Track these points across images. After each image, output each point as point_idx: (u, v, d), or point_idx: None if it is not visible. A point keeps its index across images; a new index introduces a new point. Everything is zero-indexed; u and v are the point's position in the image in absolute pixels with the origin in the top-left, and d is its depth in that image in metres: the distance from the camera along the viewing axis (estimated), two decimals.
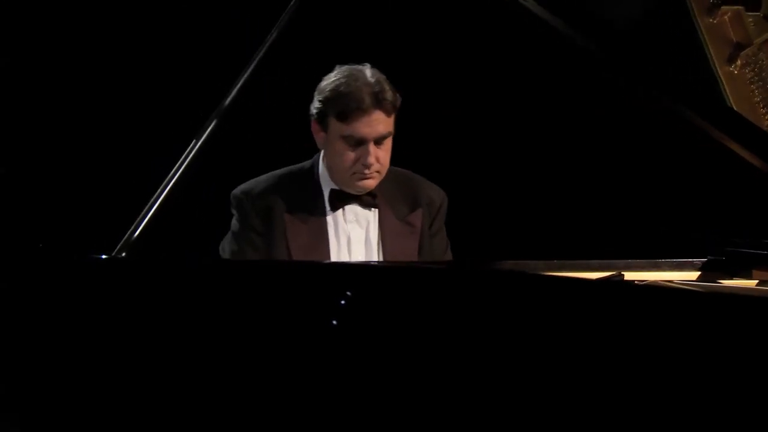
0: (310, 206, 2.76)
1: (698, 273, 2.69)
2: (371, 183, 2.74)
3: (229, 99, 2.27)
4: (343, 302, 1.50)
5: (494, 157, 3.66)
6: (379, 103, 2.64)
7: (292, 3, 2.45)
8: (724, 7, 2.61)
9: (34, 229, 3.38)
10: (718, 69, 2.66)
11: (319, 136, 2.76)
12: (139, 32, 3.69)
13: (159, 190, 2.06)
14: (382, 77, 2.71)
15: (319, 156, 2.83)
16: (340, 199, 2.77)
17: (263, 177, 2.82)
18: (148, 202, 2.03)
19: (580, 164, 3.66)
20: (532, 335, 1.52)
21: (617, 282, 2.16)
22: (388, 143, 2.73)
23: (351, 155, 2.68)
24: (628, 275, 2.58)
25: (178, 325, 1.57)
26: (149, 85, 3.69)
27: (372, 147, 2.67)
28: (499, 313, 1.52)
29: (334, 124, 2.69)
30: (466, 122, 2.94)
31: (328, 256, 2.74)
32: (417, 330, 1.51)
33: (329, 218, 2.77)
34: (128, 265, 1.74)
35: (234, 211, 2.79)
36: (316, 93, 2.73)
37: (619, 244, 2.86)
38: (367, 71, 2.70)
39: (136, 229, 1.93)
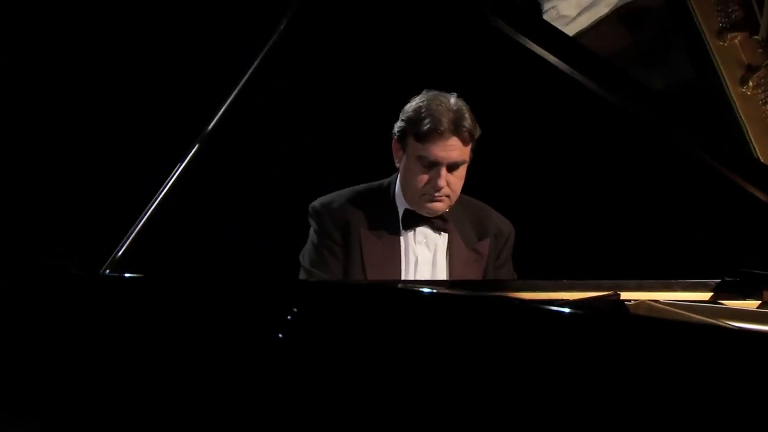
0: (385, 224, 2.84)
1: (710, 294, 2.70)
2: (440, 206, 2.80)
3: (224, 107, 2.36)
4: (289, 317, 1.63)
5: (506, 175, 3.71)
6: (456, 129, 2.71)
7: (290, 10, 2.51)
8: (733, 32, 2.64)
9: (22, 237, 3.47)
10: (731, 91, 2.67)
11: (398, 155, 2.84)
12: (124, 41, 3.69)
13: (151, 202, 2.16)
14: (466, 107, 2.77)
15: (396, 175, 2.90)
16: (412, 220, 2.84)
17: (343, 192, 2.90)
18: (140, 212, 2.13)
19: (593, 185, 3.69)
20: (468, 355, 1.60)
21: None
22: (462, 171, 2.79)
23: (423, 176, 2.76)
24: (640, 296, 2.62)
25: (146, 338, 1.72)
26: (143, 93, 3.67)
27: (444, 171, 2.74)
28: (436, 335, 1.61)
29: (412, 144, 2.77)
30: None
31: (399, 274, 2.81)
32: (357, 345, 1.62)
33: (401, 237, 2.84)
34: (105, 282, 1.90)
35: (312, 222, 2.87)
36: (400, 114, 2.81)
37: (631, 264, 2.88)
38: (452, 98, 2.78)
39: (124, 244, 2.06)
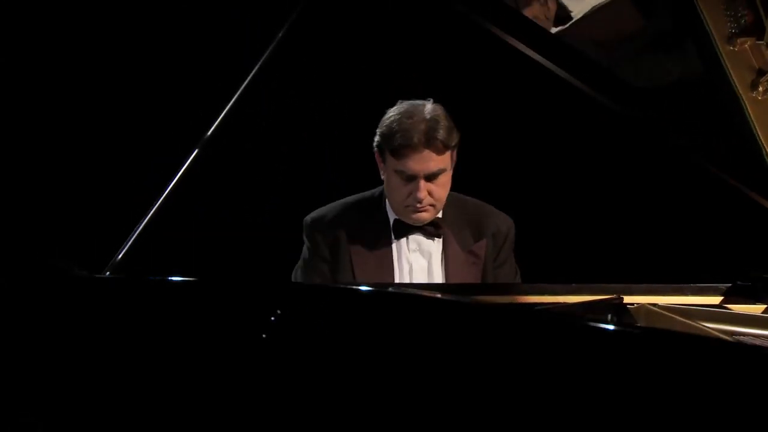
0: (376, 234, 2.87)
1: (721, 298, 2.71)
2: (425, 216, 2.83)
3: (225, 111, 2.38)
4: (273, 318, 1.69)
5: (518, 178, 3.72)
6: (429, 142, 2.72)
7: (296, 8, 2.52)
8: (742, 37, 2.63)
9: (24, 239, 3.54)
10: (743, 95, 2.66)
11: (380, 167, 2.87)
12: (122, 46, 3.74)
13: (152, 204, 2.20)
14: (442, 115, 2.78)
15: None
16: (403, 229, 2.87)
17: (334, 204, 2.94)
18: (141, 214, 2.17)
19: (603, 188, 3.71)
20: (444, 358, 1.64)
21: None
22: (443, 178, 2.80)
23: (404, 189, 2.78)
24: (649, 299, 2.63)
25: (136, 339, 1.79)
26: (145, 92, 3.76)
27: (422, 183, 2.76)
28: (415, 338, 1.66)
29: (389, 159, 2.80)
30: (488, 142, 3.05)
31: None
32: (338, 346, 1.68)
33: (394, 246, 2.87)
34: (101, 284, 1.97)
35: (305, 238, 2.92)
36: (378, 127, 2.84)
37: (644, 267, 2.90)
38: (427, 107, 2.79)
39: (125, 247, 2.14)
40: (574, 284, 2.67)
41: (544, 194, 3.75)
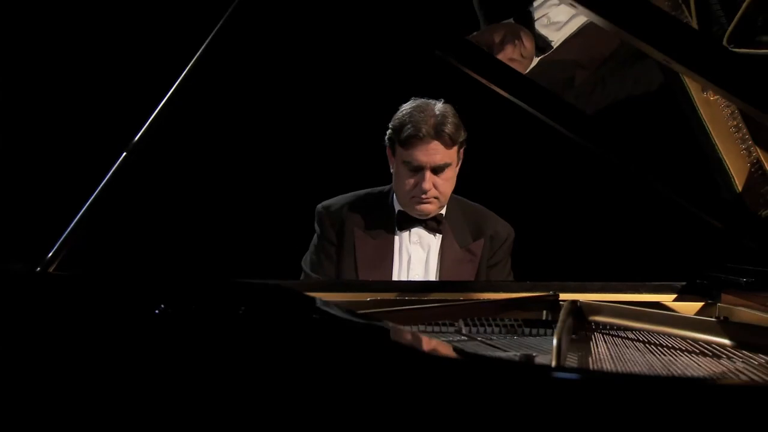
0: (381, 225, 3.05)
1: (674, 295, 2.75)
2: (429, 208, 3.00)
3: (162, 103, 2.31)
4: (156, 312, 1.87)
5: (489, 181, 3.78)
6: (438, 133, 2.92)
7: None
8: None
9: None
10: (694, 96, 2.71)
11: (390, 161, 3.05)
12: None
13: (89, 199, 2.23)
14: (450, 112, 2.98)
15: None
16: (406, 221, 3.05)
17: (345, 195, 3.14)
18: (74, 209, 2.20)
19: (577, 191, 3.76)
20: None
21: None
22: (449, 173, 2.98)
23: (410, 180, 2.96)
24: (605, 297, 2.69)
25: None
26: (85, 85, 3.90)
27: (429, 174, 2.93)
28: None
29: (399, 150, 2.98)
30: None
31: (390, 273, 3.01)
32: (214, 338, 1.83)
33: (396, 237, 3.04)
34: None
35: (315, 225, 3.12)
36: (390, 121, 3.03)
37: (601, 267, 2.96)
38: (438, 105, 2.99)
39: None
40: (528, 282, 2.75)
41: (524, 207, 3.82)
